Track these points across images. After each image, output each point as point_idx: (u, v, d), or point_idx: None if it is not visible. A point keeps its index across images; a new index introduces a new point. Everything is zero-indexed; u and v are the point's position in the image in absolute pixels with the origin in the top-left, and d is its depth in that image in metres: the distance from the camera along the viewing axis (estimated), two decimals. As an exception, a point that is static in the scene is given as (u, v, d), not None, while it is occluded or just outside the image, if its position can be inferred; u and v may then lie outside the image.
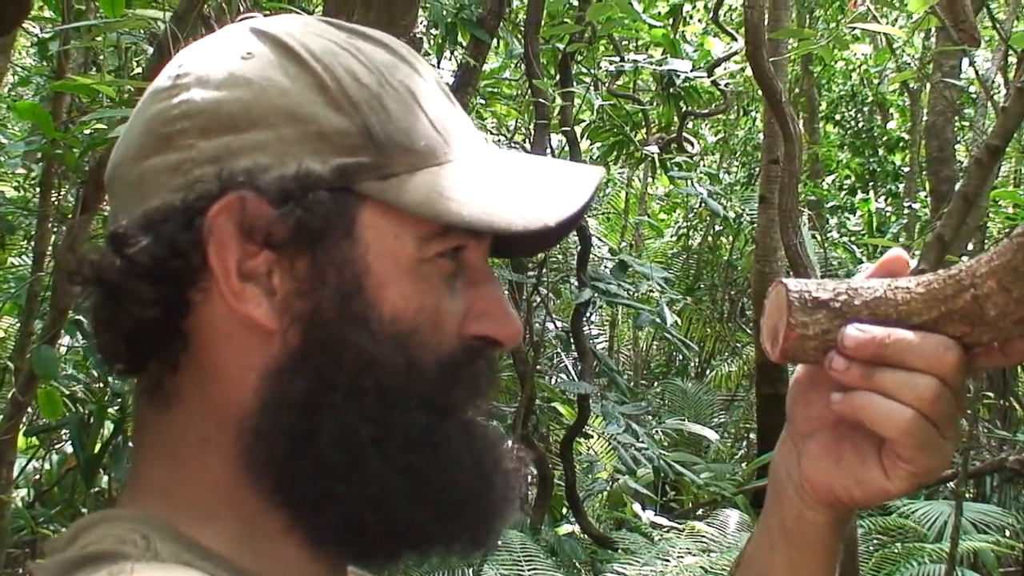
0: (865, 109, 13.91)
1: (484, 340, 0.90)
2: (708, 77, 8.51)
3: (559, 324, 8.33)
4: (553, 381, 8.81)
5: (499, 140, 10.67)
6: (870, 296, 0.90)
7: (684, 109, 9.05)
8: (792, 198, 3.47)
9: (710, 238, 13.50)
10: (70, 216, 4.01)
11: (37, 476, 6.61)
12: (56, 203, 4.57)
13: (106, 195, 0.93)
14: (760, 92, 4.92)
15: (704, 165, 13.61)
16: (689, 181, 8.34)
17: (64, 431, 5.27)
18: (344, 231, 0.83)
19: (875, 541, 6.79)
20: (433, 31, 7.12)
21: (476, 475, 0.88)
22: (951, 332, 0.88)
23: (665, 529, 6.94)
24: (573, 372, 8.15)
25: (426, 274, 0.86)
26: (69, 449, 6.11)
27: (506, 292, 7.07)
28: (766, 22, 8.76)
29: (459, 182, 0.86)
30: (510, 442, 0.94)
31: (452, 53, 7.44)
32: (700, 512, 8.58)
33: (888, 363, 0.88)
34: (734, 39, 9.46)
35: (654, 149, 8.17)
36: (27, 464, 6.15)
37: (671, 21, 10.29)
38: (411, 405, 0.85)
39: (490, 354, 0.92)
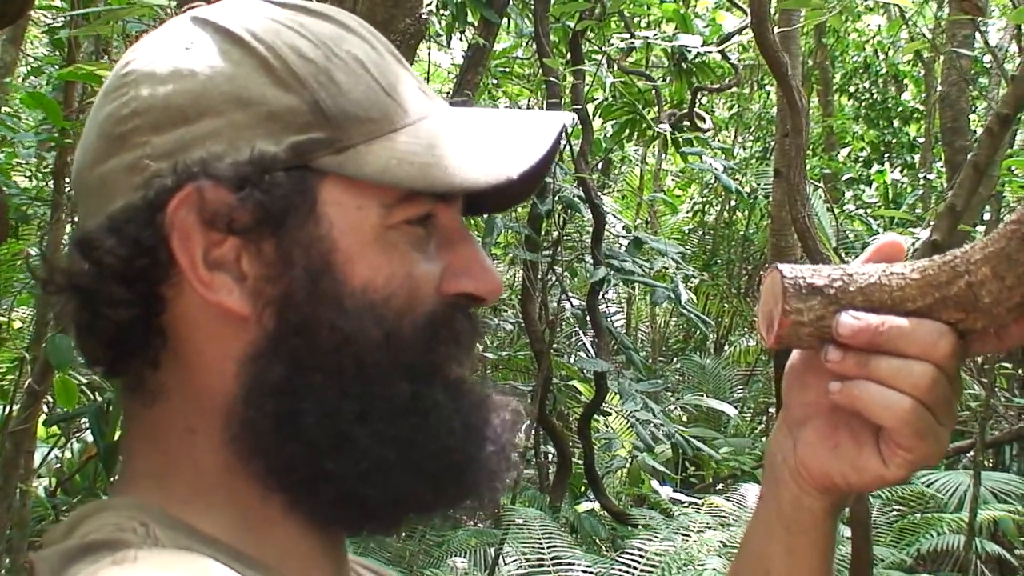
0: (879, 81, 13.83)
1: (465, 297, 0.90)
2: (718, 50, 8.47)
3: (575, 302, 8.34)
4: (571, 360, 8.81)
5: (512, 120, 10.66)
6: (865, 282, 0.90)
7: (696, 85, 9.01)
8: (800, 171, 3.46)
9: (726, 213, 13.46)
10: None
11: (58, 465, 6.64)
12: (69, 192, 4.58)
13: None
14: (770, 65, 4.90)
15: (719, 140, 13.56)
16: (702, 157, 8.32)
17: (83, 419, 5.29)
18: (307, 210, 0.83)
19: (895, 512, 6.79)
20: (443, 12, 7.10)
21: (468, 436, 0.88)
22: (945, 318, 0.88)
23: (684, 504, 6.95)
24: (591, 350, 8.16)
25: (393, 241, 0.86)
26: (90, 438, 6.13)
27: (521, 274, 7.07)
28: (777, -5, 8.73)
29: (417, 146, 0.86)
30: (502, 395, 0.94)
31: (462, 33, 7.43)
32: (719, 487, 8.59)
33: (883, 350, 0.88)
34: (745, 13, 9.41)
35: (666, 127, 8.15)
36: (48, 453, 6.18)
37: (682, -4, 10.24)
38: (393, 376, 0.85)
39: (471, 312, 0.92)
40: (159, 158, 0.83)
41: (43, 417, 4.79)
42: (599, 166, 10.52)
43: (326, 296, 0.83)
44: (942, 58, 9.97)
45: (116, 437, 4.53)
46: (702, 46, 7.85)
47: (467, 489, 0.90)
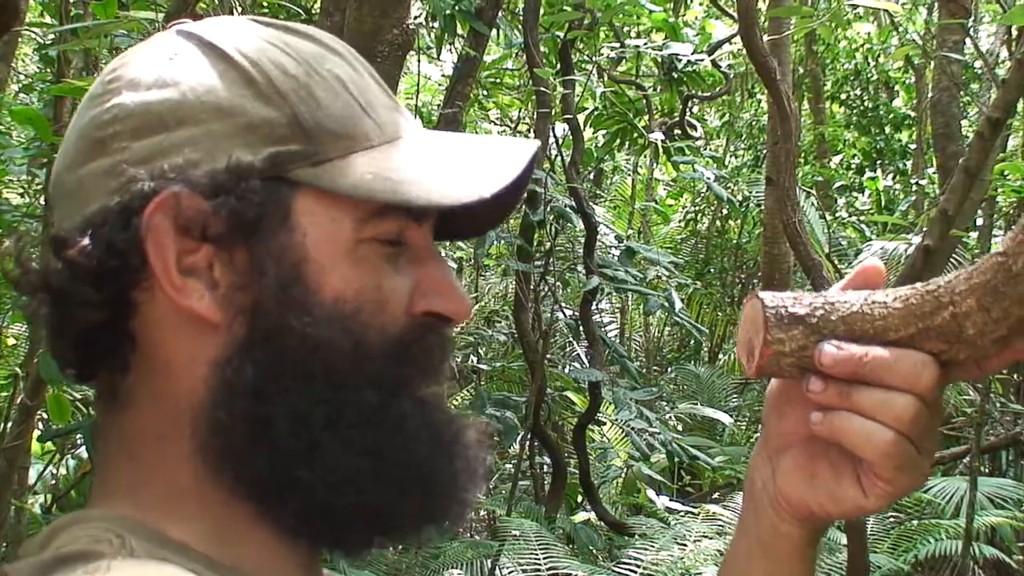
0: (870, 88, 13.85)
1: (434, 317, 0.91)
2: (709, 58, 8.48)
3: (568, 312, 8.33)
4: (566, 370, 8.80)
5: (502, 130, 10.65)
6: (847, 311, 0.89)
7: (687, 93, 9.02)
8: (790, 176, 3.46)
9: (718, 222, 13.48)
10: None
11: (53, 481, 6.62)
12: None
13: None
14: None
15: (710, 149, 13.58)
16: (693, 166, 8.32)
17: (78, 435, 5.28)
18: (280, 220, 0.85)
19: (891, 519, 6.79)
20: (433, 24, 7.10)
21: (436, 448, 0.89)
22: (928, 348, 0.88)
23: (681, 513, 6.94)
24: (585, 360, 8.16)
25: (365, 255, 0.87)
26: (84, 453, 6.12)
27: (514, 285, 7.05)
28: (768, 2, 8.74)
29: (392, 163, 0.87)
30: (470, 418, 0.95)
31: (452, 45, 7.43)
32: (716, 496, 8.58)
33: (866, 381, 0.87)
34: (735, 20, 9.41)
35: (658, 135, 8.15)
36: (44, 470, 6.16)
37: (671, 5, 10.25)
38: (362, 385, 0.86)
39: (442, 331, 0.93)
40: (137, 163, 0.84)
41: (37, 433, 4.77)
42: (591, 176, 10.53)
43: (296, 304, 0.84)
44: (933, 64, 9.98)
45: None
46: (692, 54, 7.85)
47: (434, 501, 0.90)
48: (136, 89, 0.86)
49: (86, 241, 0.83)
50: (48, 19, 6.32)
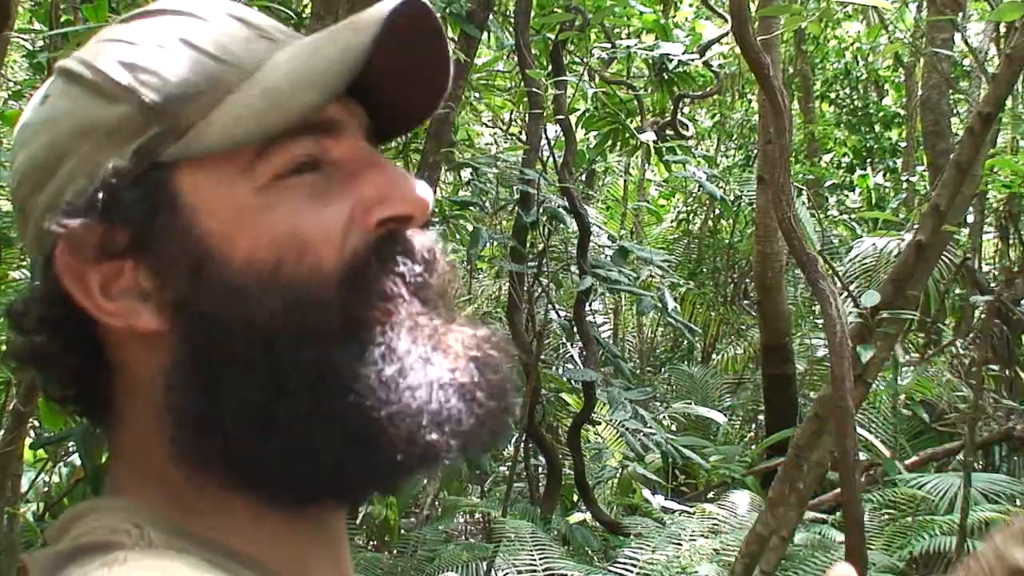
0: (860, 86, 13.89)
1: (391, 222, 0.86)
2: (700, 59, 8.49)
3: (562, 313, 8.34)
4: (560, 371, 8.80)
5: (494, 132, 10.66)
6: None
7: (678, 93, 9.03)
8: (784, 172, 3.46)
9: (710, 222, 13.50)
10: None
11: (46, 488, 6.61)
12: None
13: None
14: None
15: (701, 149, 13.60)
16: (685, 165, 8.33)
17: (70, 442, 5.27)
18: (168, 207, 0.83)
19: (886, 515, 6.79)
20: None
21: (386, 391, 0.83)
22: None
23: (676, 513, 6.94)
24: (579, 361, 8.16)
25: (274, 201, 0.83)
26: (77, 461, 6.10)
27: (507, 286, 7.02)
28: (758, 2, 8.75)
29: (252, 96, 0.83)
30: (465, 335, 0.89)
31: (443, 47, 7.43)
32: (711, 495, 8.59)
33: None
34: (726, 21, 9.43)
35: (650, 135, 8.16)
36: (36, 477, 6.15)
37: (661, 7, 10.27)
38: (300, 344, 0.82)
39: (396, 239, 0.87)
40: (45, 216, 0.84)
41: (29, 440, 4.76)
42: (583, 177, 10.54)
43: (211, 284, 0.82)
44: (922, 62, 10.01)
45: (103, 459, 4.50)
46: (683, 54, 7.86)
47: (400, 445, 0.83)
48: (23, 145, 0.88)
49: (21, 305, 0.86)
50: (37, 24, 6.32)
